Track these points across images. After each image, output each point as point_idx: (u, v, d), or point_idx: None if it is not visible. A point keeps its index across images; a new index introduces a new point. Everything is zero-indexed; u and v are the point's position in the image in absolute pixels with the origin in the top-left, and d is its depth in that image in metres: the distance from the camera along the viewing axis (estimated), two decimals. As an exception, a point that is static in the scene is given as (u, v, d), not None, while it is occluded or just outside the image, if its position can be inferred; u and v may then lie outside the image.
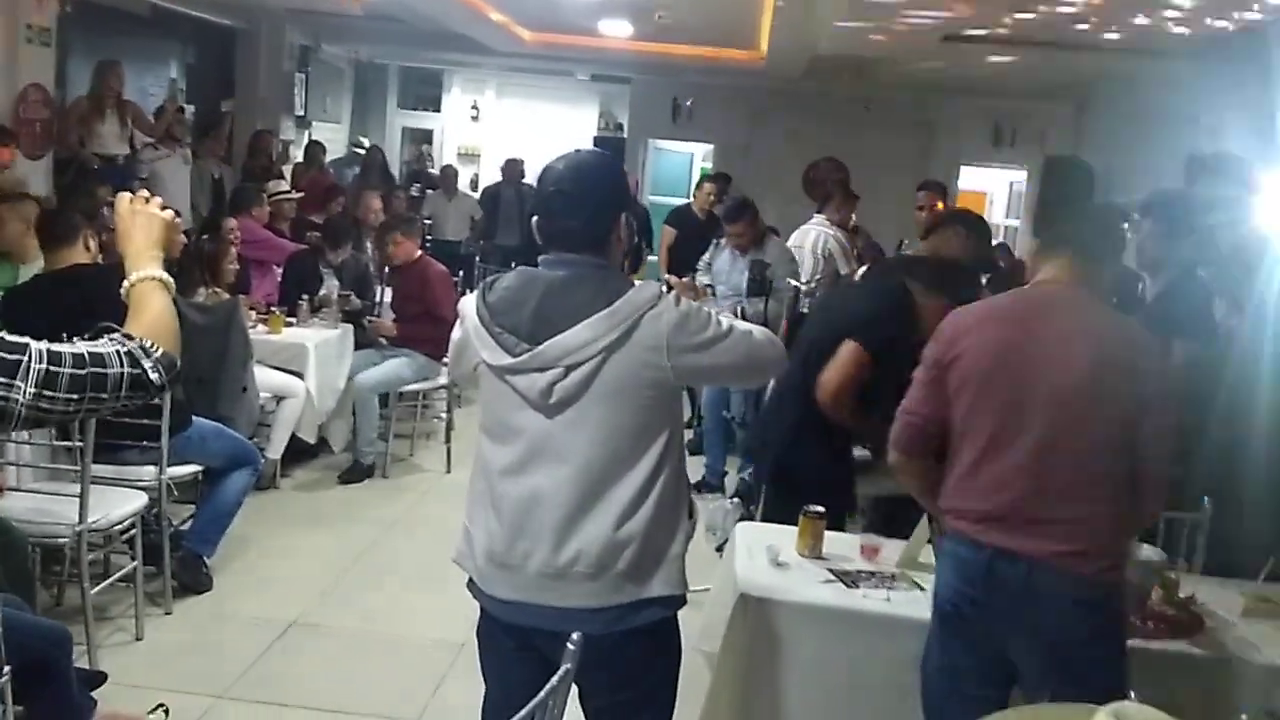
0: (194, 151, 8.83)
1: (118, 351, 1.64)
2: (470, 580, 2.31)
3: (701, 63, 10.93)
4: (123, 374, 1.63)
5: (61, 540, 3.65)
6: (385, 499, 5.91)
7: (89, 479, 3.65)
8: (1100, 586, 2.39)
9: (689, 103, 12.65)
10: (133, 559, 4.06)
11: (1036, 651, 2.41)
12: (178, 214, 5.12)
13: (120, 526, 3.93)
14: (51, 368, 1.58)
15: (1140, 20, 6.06)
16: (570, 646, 1.91)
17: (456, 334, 2.33)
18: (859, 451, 3.76)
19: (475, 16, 9.12)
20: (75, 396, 1.59)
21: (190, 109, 9.91)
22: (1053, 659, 2.38)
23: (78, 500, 3.63)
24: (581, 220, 2.21)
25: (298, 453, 6.07)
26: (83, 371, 1.60)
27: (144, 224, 1.91)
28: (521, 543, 2.18)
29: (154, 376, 1.67)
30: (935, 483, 2.58)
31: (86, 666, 3.56)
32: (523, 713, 1.75)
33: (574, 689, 2.20)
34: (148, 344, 1.68)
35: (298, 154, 10.99)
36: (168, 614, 4.24)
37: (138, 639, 4.02)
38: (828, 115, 11.57)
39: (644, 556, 2.16)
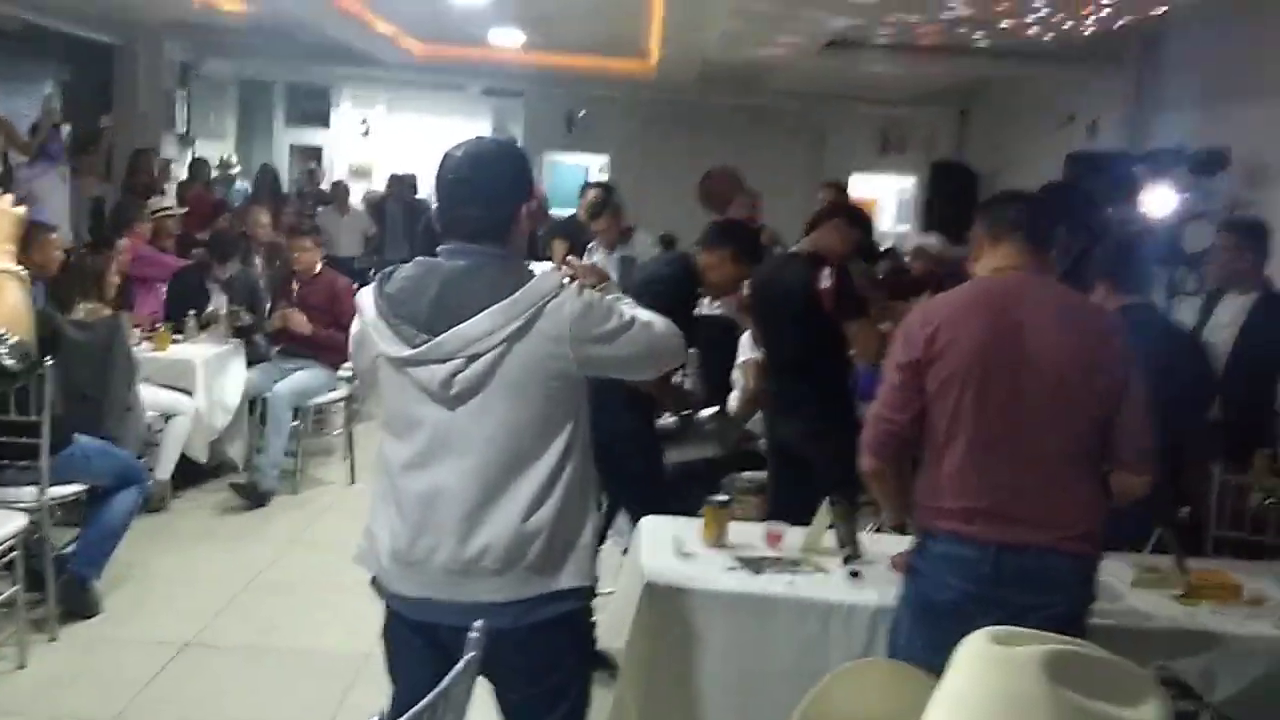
0: (72, 169, 8.54)
1: None
2: (374, 579, 2.26)
3: (594, 74, 10.98)
4: None
5: (-66, 566, 3.46)
6: (285, 515, 5.75)
7: (-37, 501, 3.48)
8: (1097, 564, 2.48)
9: (582, 115, 12.69)
10: (14, 583, 3.88)
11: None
12: (53, 229, 4.88)
13: (-1, 549, 3.75)
14: None
15: (1005, 25, 6.26)
16: (473, 635, 1.88)
17: (355, 328, 2.26)
18: (667, 420, 3.88)
19: (362, 28, 9.01)
20: None
21: (67, 128, 9.57)
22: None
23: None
24: (480, 208, 2.17)
25: (194, 474, 5.88)
26: None
27: None
28: (425, 538, 2.14)
29: (8, 363, 1.62)
30: (906, 485, 2.57)
31: (-36, 698, 3.39)
32: (424, 703, 1.71)
33: (488, 684, 2.20)
34: (2, 332, 1.63)
35: (180, 172, 10.70)
36: (53, 640, 4.05)
37: (20, 667, 3.83)
38: (721, 125, 11.72)
39: (552, 548, 2.13)
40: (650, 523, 3.29)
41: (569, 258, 2.55)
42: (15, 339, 1.65)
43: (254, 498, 5.78)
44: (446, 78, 12.86)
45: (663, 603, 2.80)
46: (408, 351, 2.12)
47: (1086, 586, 2.48)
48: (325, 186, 12.34)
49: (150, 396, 5.34)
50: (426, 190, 11.85)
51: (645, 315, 2.24)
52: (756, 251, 3.98)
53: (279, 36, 9.82)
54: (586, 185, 9.54)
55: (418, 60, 10.76)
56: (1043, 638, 1.02)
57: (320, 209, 11.24)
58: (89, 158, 8.93)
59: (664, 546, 3.04)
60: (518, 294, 2.09)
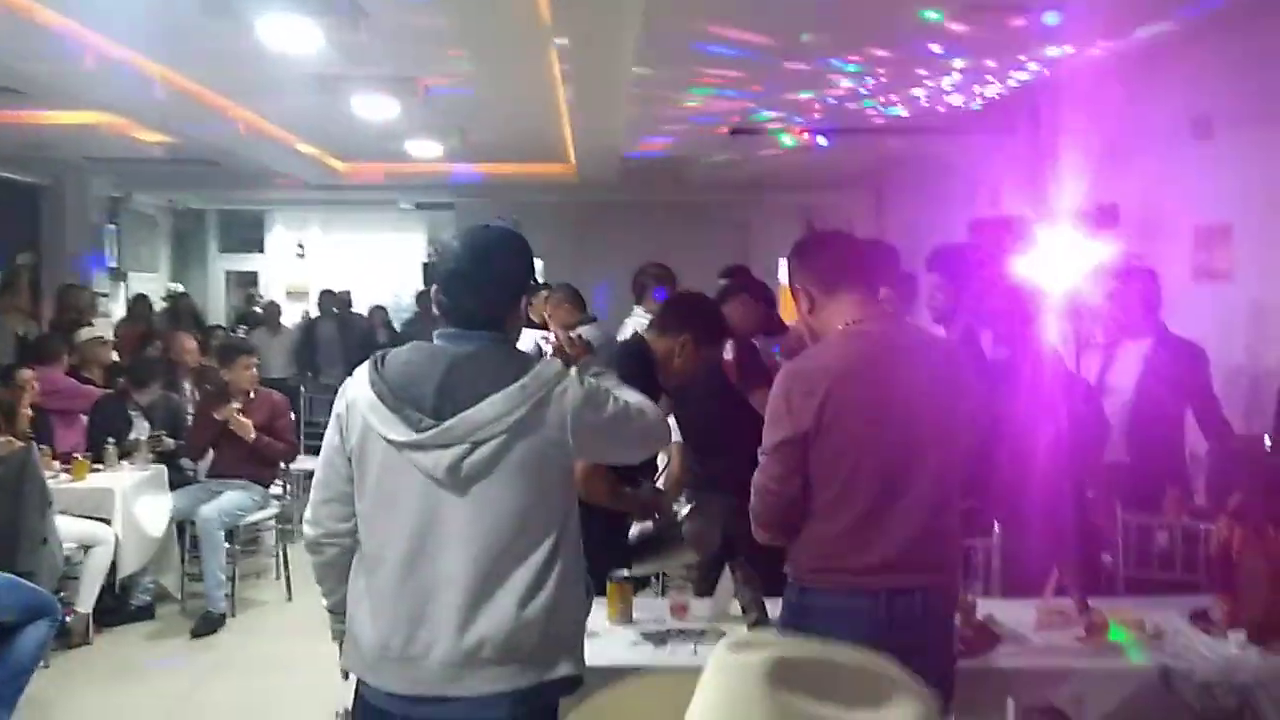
0: (-5, 309, 8.50)
1: None
2: (360, 682, 2.20)
3: (519, 180, 11.17)
4: None
5: None
6: (219, 638, 5.61)
7: None
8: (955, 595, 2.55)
9: (513, 220, 12.86)
10: (-86, 730, 3.75)
11: (925, 673, 2.42)
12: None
13: (-105, 694, 3.63)
14: None
15: (916, 91, 6.47)
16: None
17: (331, 428, 2.23)
18: (642, 526, 3.65)
19: (284, 150, 9.14)
20: None
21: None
22: (937, 677, 2.41)
23: None
24: (479, 300, 2.19)
25: (116, 612, 5.73)
26: None
27: None
28: (423, 631, 2.10)
29: None
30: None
31: None
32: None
33: None
34: None
35: (113, 307, 10.68)
36: (-40, 788, 3.91)
37: (-76, 819, 3.69)
38: (647, 223, 11.92)
39: (549, 636, 2.12)
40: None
41: (552, 334, 2.59)
42: None
43: (204, 623, 5.66)
44: (376, 194, 13.01)
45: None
46: (413, 436, 2.09)
47: (951, 623, 2.57)
48: (260, 310, 12.36)
49: (68, 527, 5.24)
50: (364, 304, 11.90)
51: (633, 398, 2.28)
52: (717, 330, 3.54)
53: (204, 165, 9.92)
54: (544, 287, 9.72)
55: (345, 179, 10.90)
56: (783, 644, 1.01)
57: (253, 331, 11.22)
58: (10, 296, 8.90)
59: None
60: (525, 380, 2.10)
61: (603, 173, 10.13)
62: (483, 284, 2.19)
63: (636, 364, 3.47)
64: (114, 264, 11.71)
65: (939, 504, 2.46)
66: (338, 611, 2.32)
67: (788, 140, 8.04)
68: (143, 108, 7.06)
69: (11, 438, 5.23)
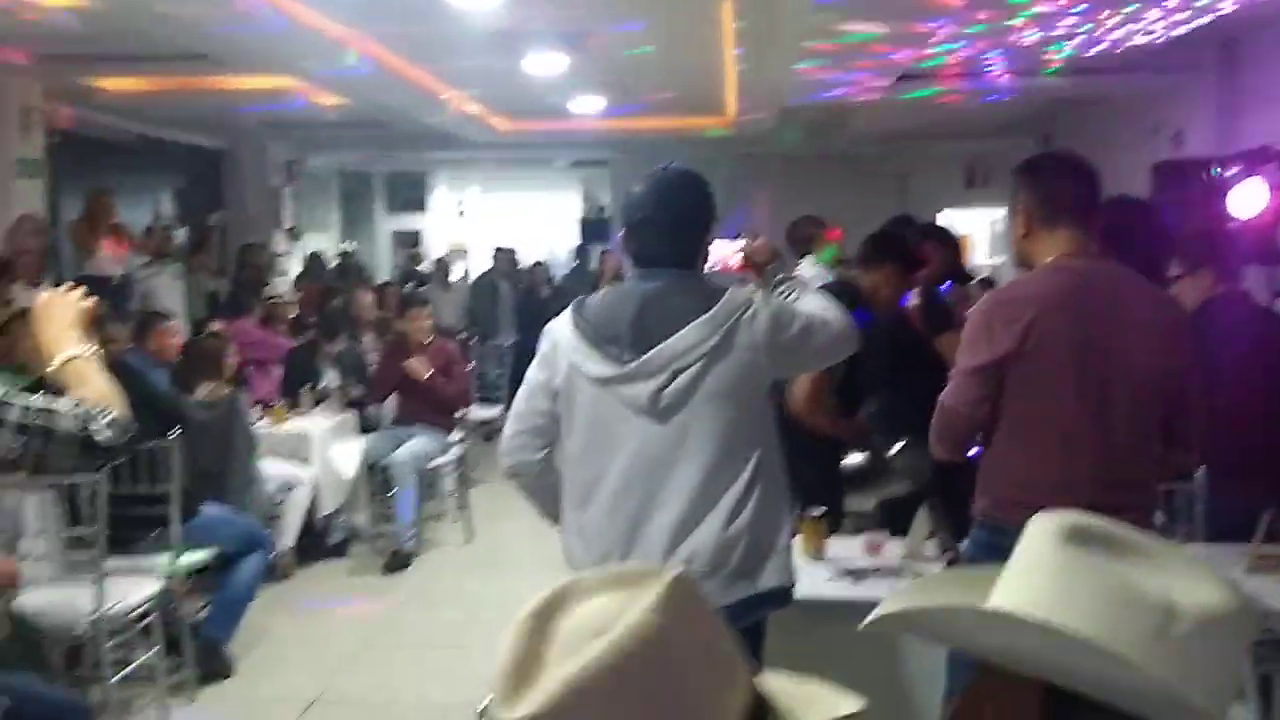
0: (188, 267, 9.04)
1: (70, 413, 1.70)
2: None
3: (675, 135, 11.19)
4: (70, 432, 1.70)
5: (79, 630, 3.68)
6: (405, 576, 5.91)
7: (102, 567, 3.70)
8: None
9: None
10: (152, 648, 4.08)
11: None
12: (168, 318, 5.13)
13: (136, 614, 3.97)
14: None
15: (1095, 27, 6.22)
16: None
17: (544, 349, 2.36)
18: (855, 459, 3.73)
19: (450, 109, 9.37)
20: (21, 440, 1.68)
21: (183, 231, 10.12)
22: None
23: (93, 590, 3.68)
24: (667, 243, 2.31)
25: (314, 549, 6.09)
26: (29, 420, 1.67)
27: (56, 312, 1.99)
28: (635, 555, 2.22)
29: (103, 437, 1.72)
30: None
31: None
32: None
33: None
34: (98, 409, 1.75)
35: (290, 265, 11.21)
36: (191, 702, 4.25)
37: (163, 728, 4.03)
38: (803, 176, 11.81)
39: (753, 551, 2.22)
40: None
41: (747, 240, 2.68)
42: (113, 414, 1.76)
43: (395, 560, 5.96)
44: (534, 153, 13.24)
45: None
46: (615, 370, 2.23)
47: None
48: (425, 267, 12.77)
49: (270, 469, 5.58)
50: (529, 259, 12.16)
51: (818, 306, 2.37)
52: (912, 258, 3.73)
53: (375, 127, 10.28)
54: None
55: (504, 137, 11.13)
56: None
57: (424, 286, 11.62)
58: (202, 255, 9.43)
59: (764, 563, 3.07)
60: (715, 309, 2.22)
61: (761, 126, 10.07)
62: (668, 224, 2.30)
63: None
64: (290, 224, 12.26)
65: (1136, 444, 2.43)
66: (558, 523, 2.45)
67: (957, 86, 7.83)
68: (320, 70, 7.35)
69: (219, 385, 5.57)
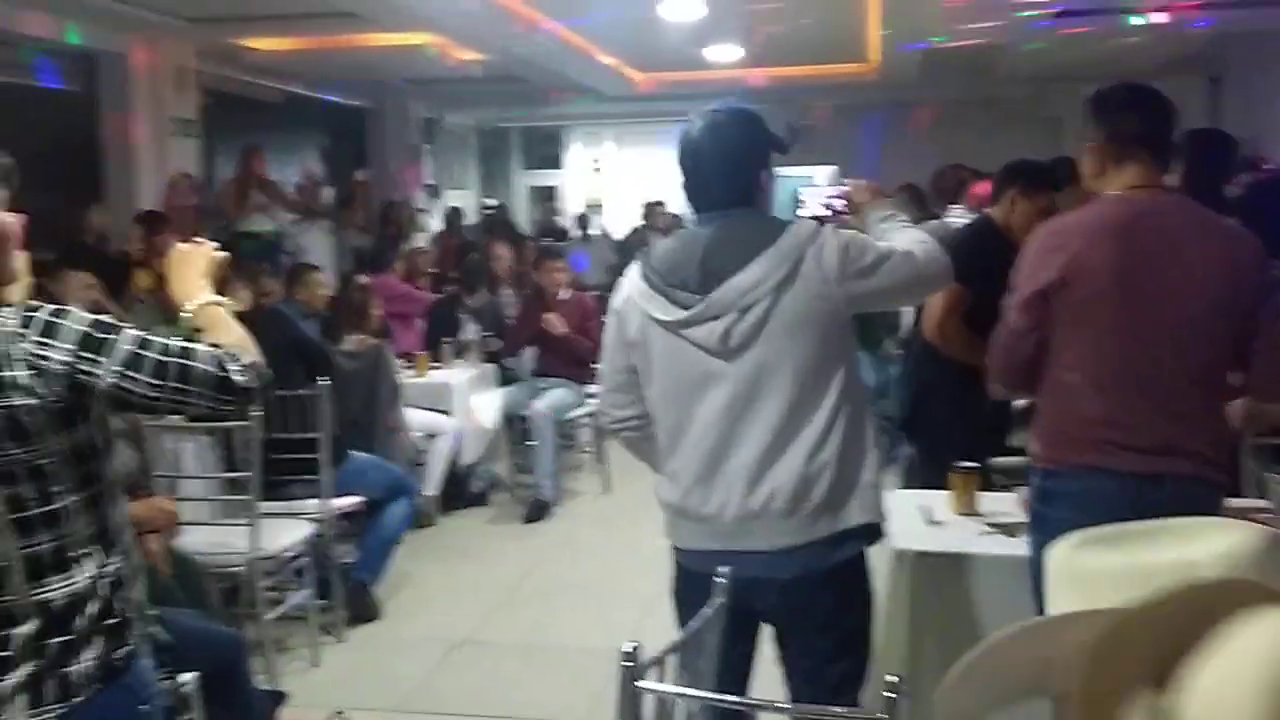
0: (336, 223, 9.31)
1: (208, 353, 1.71)
2: (673, 548, 2.36)
3: (814, 82, 10.94)
4: (208, 373, 1.69)
5: (235, 568, 3.82)
6: (545, 524, 5.98)
7: (257, 510, 3.82)
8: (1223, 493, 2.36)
9: (802, 125, 12.62)
10: (304, 590, 4.22)
11: None
12: (317, 269, 5.22)
13: (289, 555, 4.10)
14: (139, 351, 1.66)
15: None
16: (718, 580, 1.91)
17: (616, 304, 2.36)
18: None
19: (585, 61, 9.36)
20: (157, 382, 1.66)
21: (330, 190, 10.41)
22: None
23: (248, 531, 3.81)
24: (723, 181, 2.26)
25: (457, 498, 6.21)
26: (168, 359, 1.67)
27: (190, 260, 2.00)
28: (716, 494, 2.21)
29: (240, 379, 1.72)
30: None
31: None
32: (669, 645, 1.75)
33: (770, 633, 2.31)
34: (234, 353, 1.75)
35: (430, 221, 11.42)
36: (340, 642, 4.38)
37: (314, 666, 4.16)
38: (948, 120, 11.39)
39: (837, 486, 2.17)
40: (895, 496, 3.23)
41: (851, 181, 2.59)
42: (248, 358, 1.76)
43: (535, 509, 6.04)
44: (668, 105, 13.12)
45: (915, 570, 2.74)
46: (683, 314, 2.20)
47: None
48: (560, 221, 12.86)
49: (414, 418, 5.70)
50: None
51: (907, 242, 2.27)
52: (1045, 177, 3.71)
53: (513, 82, 10.34)
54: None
55: (640, 89, 11.05)
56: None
57: (565, 241, 11.70)
58: (349, 212, 9.68)
59: (911, 516, 2.98)
60: (779, 243, 2.16)
61: (904, 70, 9.74)
62: (720, 163, 2.26)
63: (980, 241, 3.44)
64: (431, 181, 12.47)
65: (1196, 380, 2.30)
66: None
67: (1132, 20, 7.37)
68: (462, 24, 7.39)
69: (365, 336, 5.70)
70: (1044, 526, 2.35)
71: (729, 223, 2.23)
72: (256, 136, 9.06)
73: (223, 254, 2.04)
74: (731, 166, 2.26)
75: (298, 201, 8.83)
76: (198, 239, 2.05)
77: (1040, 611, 2.31)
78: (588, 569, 5.19)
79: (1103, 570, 1.03)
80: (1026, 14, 7.28)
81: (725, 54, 9.03)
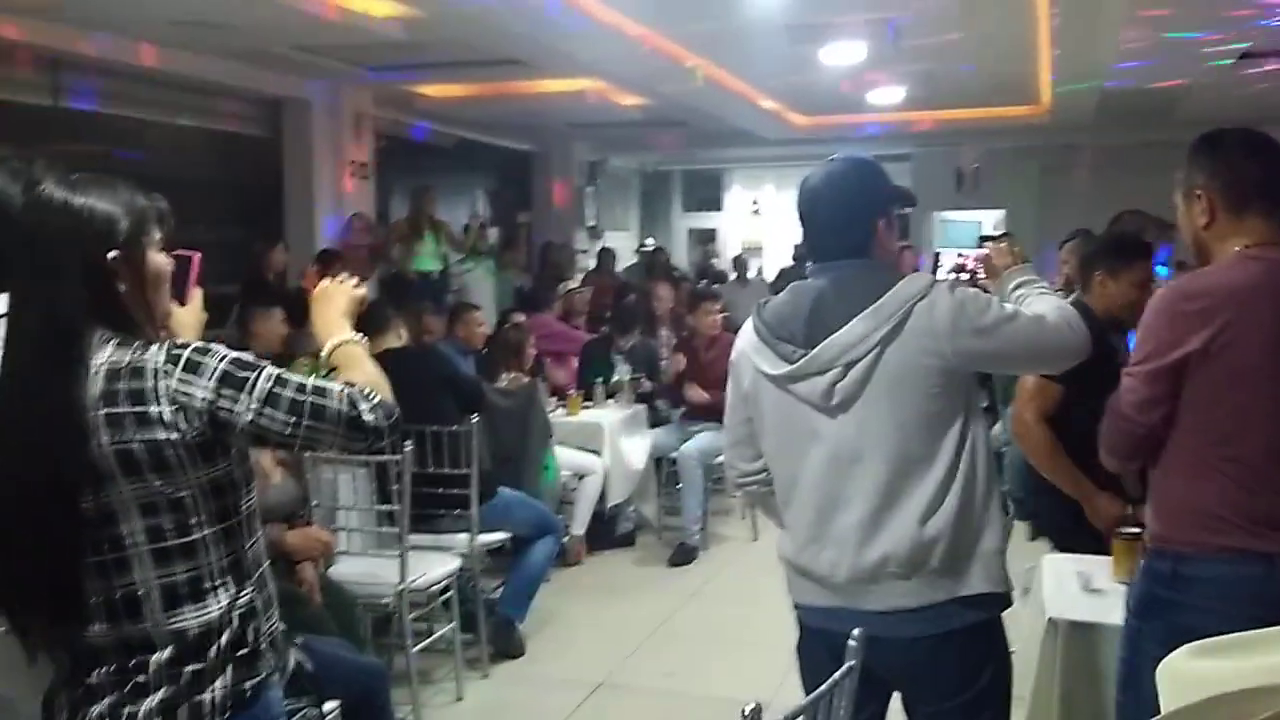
0: (498, 264, 9.59)
1: (342, 392, 1.75)
2: (795, 606, 2.32)
3: (979, 124, 10.69)
4: (340, 411, 1.72)
5: (385, 600, 3.92)
6: (691, 569, 5.95)
7: (407, 542, 3.92)
8: None
9: (975, 167, 12.35)
10: (451, 623, 4.30)
11: None
12: (476, 308, 5.38)
13: (436, 588, 4.19)
14: (275, 388, 1.70)
15: None
16: (852, 643, 1.85)
17: (731, 371, 2.35)
18: None
19: (746, 106, 9.39)
20: (292, 419, 1.70)
21: (494, 230, 10.72)
22: None
23: (398, 563, 3.91)
24: (837, 231, 2.22)
25: (604, 537, 6.24)
26: (303, 398, 1.71)
27: (333, 298, 2.05)
28: (827, 552, 2.17)
29: (369, 419, 1.74)
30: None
31: (412, 720, 3.78)
32: (794, 709, 1.69)
33: (897, 697, 2.25)
34: (367, 391, 1.78)
35: (588, 261, 11.63)
36: (485, 677, 4.44)
37: (458, 699, 4.23)
38: (1123, 164, 10.94)
39: (956, 552, 2.09)
40: (1052, 560, 3.08)
41: (989, 239, 2.51)
42: (379, 398, 1.79)
43: (681, 553, 6.02)
44: (830, 149, 13.01)
45: (1068, 641, 2.60)
46: (787, 368, 2.17)
47: None
48: (718, 264, 12.90)
49: (564, 457, 5.77)
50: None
51: (1040, 307, 2.18)
52: (1130, 248, 3.45)
53: (673, 127, 10.46)
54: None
55: (800, 132, 11.02)
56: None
57: (722, 285, 11.73)
58: (511, 252, 9.96)
59: (1068, 582, 2.83)
60: (884, 298, 2.11)
61: (1077, 113, 9.42)
62: (835, 213, 2.20)
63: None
64: (592, 223, 12.71)
65: None
66: None
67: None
68: (626, 71, 7.53)
69: (519, 374, 5.82)
70: (1174, 614, 2.15)
71: (839, 275, 2.18)
72: (428, 179, 9.43)
73: (361, 291, 2.10)
74: (846, 216, 2.20)
75: (463, 242, 9.12)
76: (341, 277, 2.12)
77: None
78: (731, 617, 5.12)
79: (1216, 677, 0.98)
80: (1209, 56, 6.94)
81: (887, 96, 8.92)
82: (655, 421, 6.66)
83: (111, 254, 1.70)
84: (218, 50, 6.61)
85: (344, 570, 3.92)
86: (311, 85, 7.75)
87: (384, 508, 4.13)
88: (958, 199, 12.60)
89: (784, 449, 2.25)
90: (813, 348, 2.14)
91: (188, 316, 2.00)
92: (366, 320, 4.69)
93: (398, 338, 4.59)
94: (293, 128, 7.99)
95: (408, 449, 3.83)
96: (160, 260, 1.80)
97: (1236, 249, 2.18)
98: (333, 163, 8.03)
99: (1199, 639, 2.08)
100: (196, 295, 2.04)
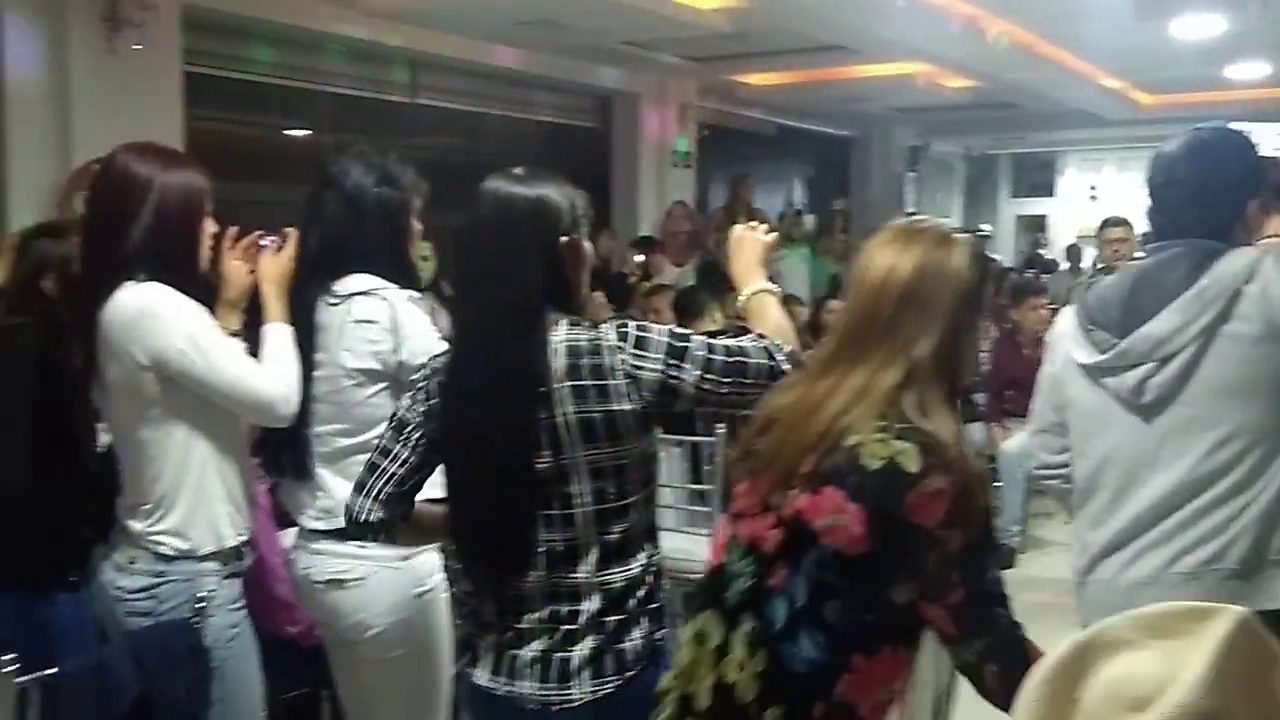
0: (814, 251, 9.57)
1: (756, 347, 1.83)
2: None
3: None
4: (761, 365, 1.81)
5: (695, 575, 4.02)
6: (1008, 574, 5.69)
7: (718, 521, 4.01)
8: None
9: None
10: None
11: None
12: (798, 300, 5.38)
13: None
14: (710, 355, 1.81)
15: None
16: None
17: (1046, 358, 2.21)
18: None
19: (1086, 85, 8.84)
20: (727, 380, 1.80)
21: (811, 218, 10.71)
22: None
23: (710, 542, 4.00)
24: (1197, 211, 1.98)
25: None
26: (730, 359, 1.81)
27: (747, 247, 2.12)
28: (1121, 554, 2.01)
29: (787, 368, 1.82)
30: None
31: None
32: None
33: None
34: (778, 342, 1.86)
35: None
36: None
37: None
38: None
39: (1261, 561, 1.87)
40: None
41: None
42: (789, 348, 1.86)
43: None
44: (1180, 129, 12.00)
45: None
46: (1099, 358, 1.99)
47: None
48: (1047, 253, 12.24)
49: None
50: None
51: None
52: None
53: (1002, 109, 10.02)
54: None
55: (1145, 112, 10.24)
56: None
57: (1052, 275, 11.14)
58: (828, 239, 9.91)
59: None
60: (1202, 282, 1.88)
61: None
62: (1197, 186, 1.96)
63: None
64: (912, 210, 12.41)
65: None
66: None
67: None
68: (955, 53, 7.29)
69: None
70: None
71: (1176, 255, 1.95)
72: (747, 167, 9.55)
73: (772, 237, 2.14)
74: (1211, 194, 1.97)
75: (778, 230, 9.18)
76: (752, 224, 2.19)
77: None
78: (1047, 627, 4.87)
79: None
80: None
81: (1249, 71, 8.12)
82: (968, 417, 6.43)
83: (563, 239, 1.85)
84: (557, 48, 7.00)
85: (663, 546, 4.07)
86: (640, 78, 8.05)
87: (696, 487, 4.25)
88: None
89: (1086, 443, 2.07)
90: (1125, 336, 1.96)
91: None
92: (683, 305, 4.89)
93: (713, 322, 4.71)
94: (622, 119, 8.34)
95: (720, 430, 3.92)
96: (589, 246, 1.94)
97: None
98: (657, 153, 8.31)
99: None
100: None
